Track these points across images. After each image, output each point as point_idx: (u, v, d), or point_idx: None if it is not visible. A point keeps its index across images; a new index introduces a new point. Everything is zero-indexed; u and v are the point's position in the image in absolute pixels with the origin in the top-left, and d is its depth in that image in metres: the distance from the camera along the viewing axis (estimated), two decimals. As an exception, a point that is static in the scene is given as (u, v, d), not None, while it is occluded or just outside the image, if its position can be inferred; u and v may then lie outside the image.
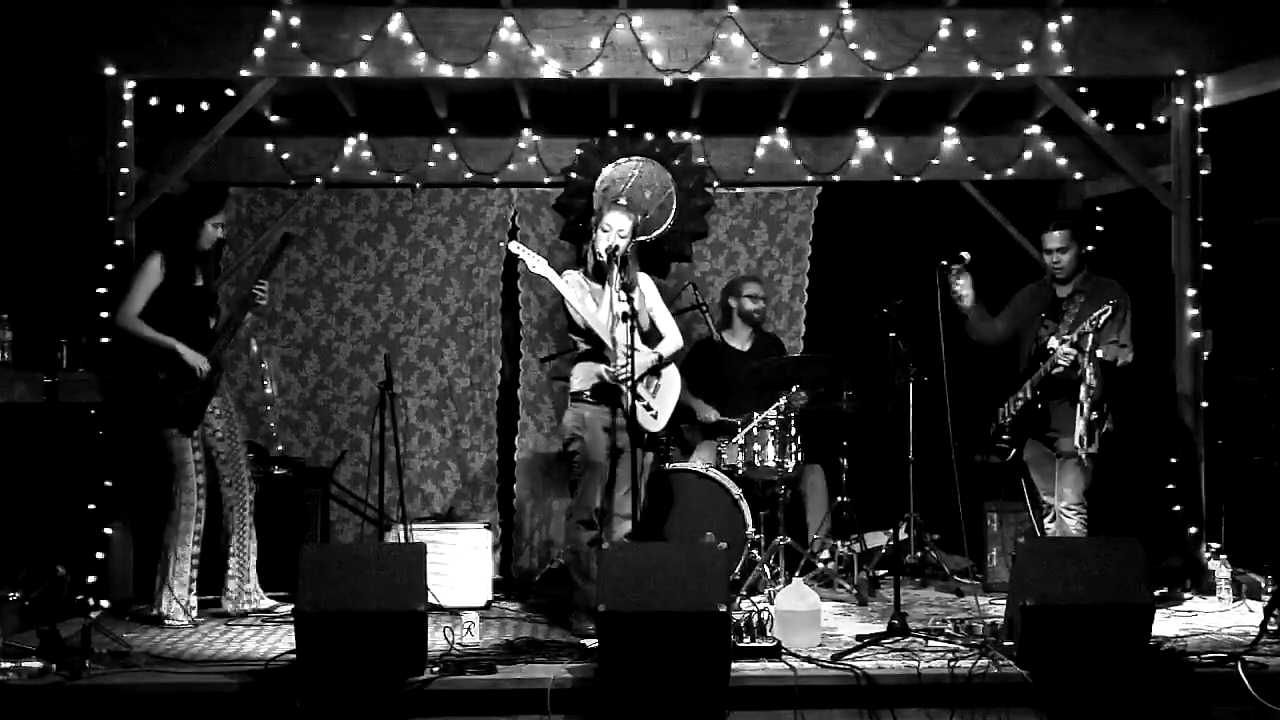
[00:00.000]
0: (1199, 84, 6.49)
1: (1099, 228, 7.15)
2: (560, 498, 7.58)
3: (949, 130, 7.63)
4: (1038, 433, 6.22)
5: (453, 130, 7.55)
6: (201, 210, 5.95)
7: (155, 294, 5.83)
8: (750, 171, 7.73)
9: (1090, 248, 6.20)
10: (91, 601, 5.87)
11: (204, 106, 6.94)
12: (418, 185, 7.70)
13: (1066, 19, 6.35)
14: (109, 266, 6.21)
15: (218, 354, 5.95)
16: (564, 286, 5.77)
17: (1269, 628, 5.19)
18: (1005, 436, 6.28)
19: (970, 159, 7.65)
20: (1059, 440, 6.09)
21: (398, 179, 7.60)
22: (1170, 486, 6.25)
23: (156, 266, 5.84)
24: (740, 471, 6.66)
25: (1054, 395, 6.08)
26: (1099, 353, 5.83)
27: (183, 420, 5.85)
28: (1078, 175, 7.74)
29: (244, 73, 6.27)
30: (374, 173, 7.58)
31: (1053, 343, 5.98)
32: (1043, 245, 6.29)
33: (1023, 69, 6.38)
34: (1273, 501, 6.10)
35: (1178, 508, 6.25)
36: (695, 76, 6.37)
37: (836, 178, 7.69)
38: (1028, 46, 6.34)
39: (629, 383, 5.51)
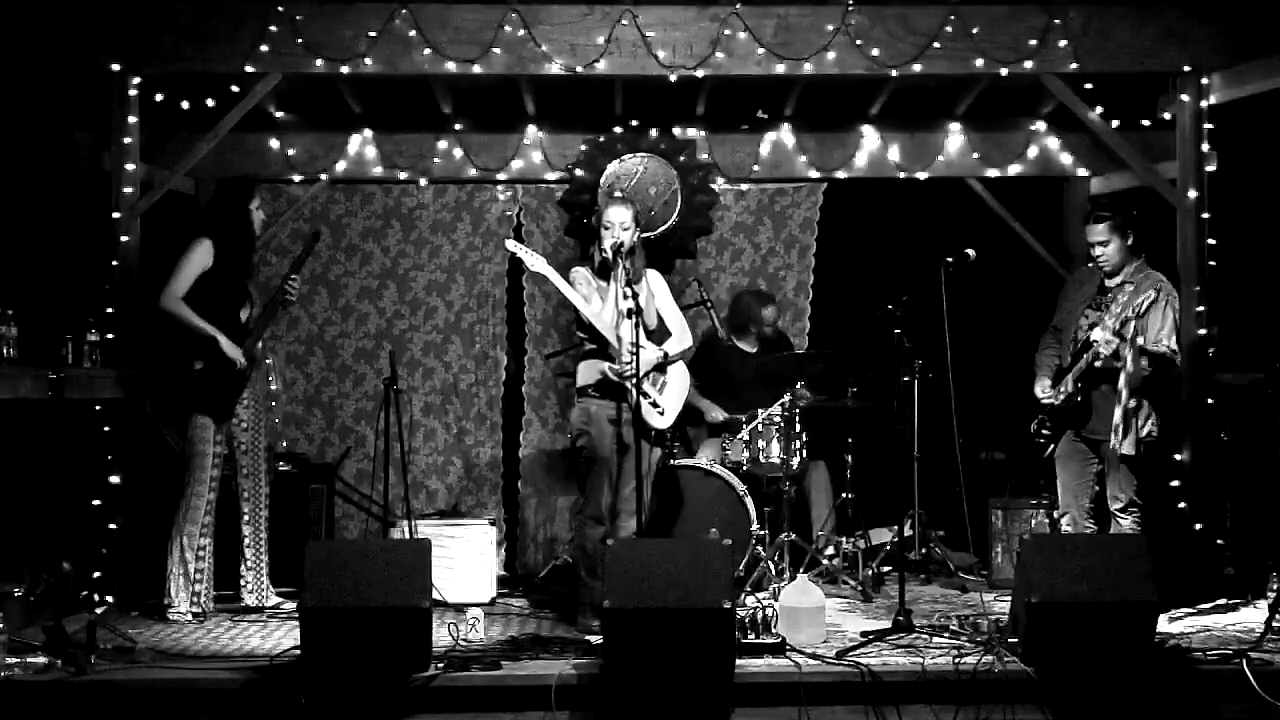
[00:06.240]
0: (1205, 80, 6.46)
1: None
2: (565, 494, 7.58)
3: (954, 126, 7.61)
4: (1077, 427, 6.05)
5: (458, 126, 7.54)
6: (244, 196, 5.97)
7: (200, 280, 5.82)
8: (755, 168, 7.71)
9: (1133, 239, 6.02)
10: (96, 597, 5.87)
11: (209, 103, 6.93)
12: (422, 181, 7.70)
13: (1072, 15, 6.32)
14: (114, 263, 6.21)
15: (251, 348, 5.96)
16: (564, 284, 5.77)
17: (1274, 624, 5.18)
18: (1046, 431, 6.14)
19: (975, 155, 7.63)
20: (1103, 445, 5.92)
21: (402, 175, 7.59)
22: (1174, 484, 6.23)
23: (206, 251, 5.83)
24: (745, 468, 6.67)
25: (1095, 387, 5.92)
26: (1140, 340, 5.66)
27: (216, 409, 5.86)
28: (1083, 171, 7.72)
29: (249, 69, 6.26)
30: (379, 169, 7.57)
31: (1095, 334, 5.81)
32: (1086, 238, 6.08)
33: (1028, 65, 6.36)
34: (1274, 499, 6.09)
35: (1182, 505, 6.23)
36: (700, 73, 6.36)
37: (841, 174, 7.67)
38: (1033, 42, 6.32)
39: (633, 379, 5.51)
